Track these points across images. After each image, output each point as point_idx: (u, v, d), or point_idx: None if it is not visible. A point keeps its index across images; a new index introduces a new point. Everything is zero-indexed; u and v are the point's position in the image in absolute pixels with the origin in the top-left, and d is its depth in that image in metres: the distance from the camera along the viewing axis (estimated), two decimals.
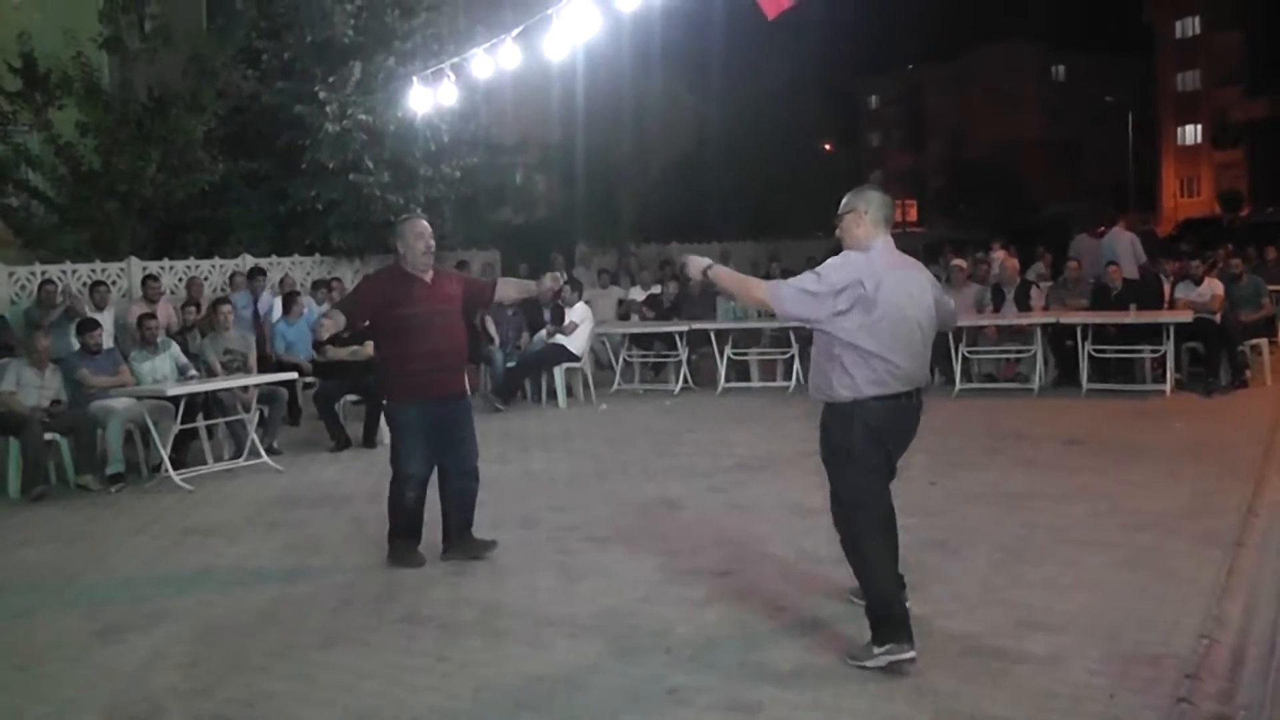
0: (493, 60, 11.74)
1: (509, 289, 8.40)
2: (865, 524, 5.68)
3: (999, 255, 17.89)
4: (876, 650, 5.46)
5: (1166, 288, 14.96)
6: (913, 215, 79.62)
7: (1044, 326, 14.34)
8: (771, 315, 15.93)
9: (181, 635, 6.43)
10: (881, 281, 5.50)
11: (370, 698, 5.36)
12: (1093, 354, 13.96)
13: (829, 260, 5.70)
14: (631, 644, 5.91)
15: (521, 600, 6.77)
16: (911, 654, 5.40)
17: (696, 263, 6.04)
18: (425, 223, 7.59)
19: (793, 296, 5.60)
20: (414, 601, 6.83)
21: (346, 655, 5.95)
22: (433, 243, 7.53)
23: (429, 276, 7.52)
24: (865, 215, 5.70)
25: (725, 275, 5.93)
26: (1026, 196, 54.31)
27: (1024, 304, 15.05)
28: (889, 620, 5.48)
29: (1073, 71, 77.54)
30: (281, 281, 17.13)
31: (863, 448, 5.61)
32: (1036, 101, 76.96)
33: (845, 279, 5.51)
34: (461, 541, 7.67)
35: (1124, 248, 17.19)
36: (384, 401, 7.83)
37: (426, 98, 13.69)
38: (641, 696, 5.21)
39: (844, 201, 5.81)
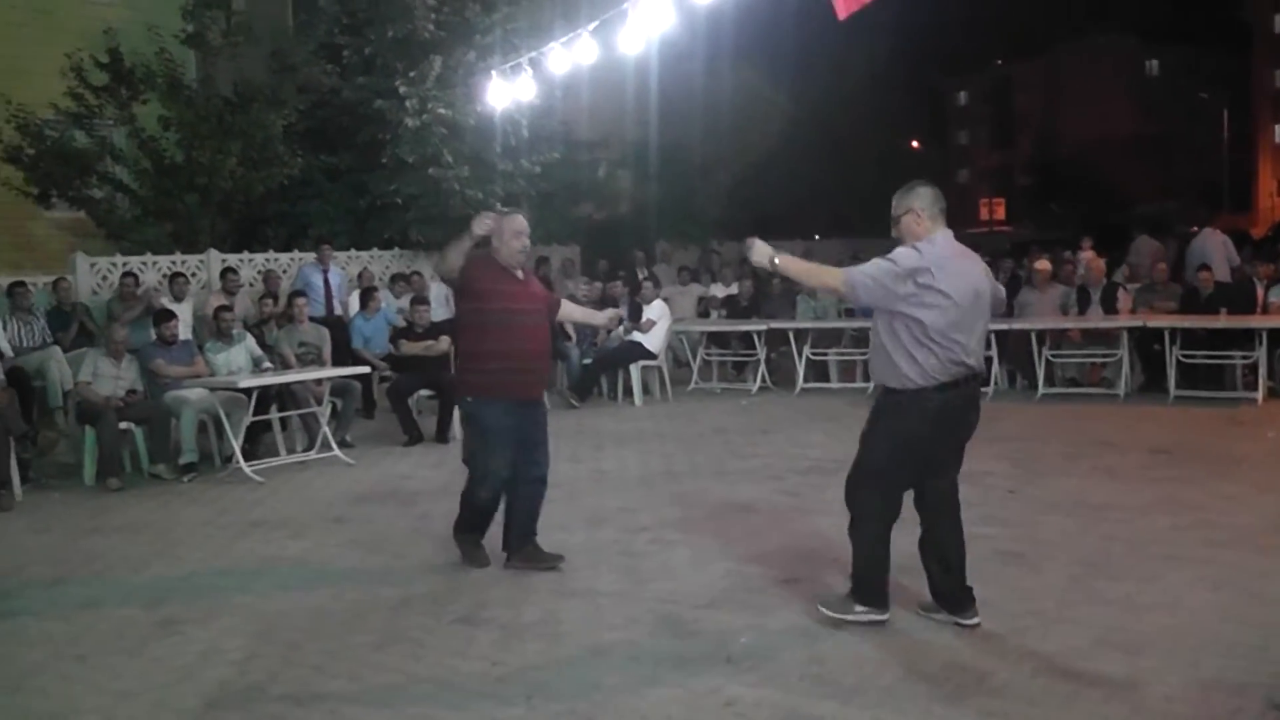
0: (570, 55, 11.63)
1: (573, 311, 8.36)
2: (875, 501, 5.93)
3: (1086, 255, 17.51)
4: (857, 608, 5.93)
5: (1260, 291, 14.50)
6: (1000, 214, 78.71)
7: (1130, 330, 13.99)
8: (851, 314, 15.91)
9: (239, 629, 6.37)
10: (947, 269, 5.69)
11: (421, 702, 5.25)
12: (1181, 359, 13.58)
13: (898, 249, 5.78)
14: (692, 652, 5.75)
15: (583, 603, 6.64)
16: (886, 617, 5.94)
17: (762, 249, 6.01)
18: (523, 219, 7.37)
19: (867, 283, 5.72)
20: (474, 602, 6.72)
21: (401, 656, 5.85)
22: (528, 241, 7.37)
23: (520, 274, 7.37)
24: (923, 213, 5.85)
25: (793, 263, 6.04)
26: (1117, 195, 53.37)
27: (1110, 306, 14.69)
28: (873, 584, 5.94)
29: (1166, 67, 76.05)
30: (360, 275, 17.16)
31: (910, 436, 5.82)
32: (1128, 98, 75.56)
33: (916, 263, 5.66)
34: (524, 549, 7.43)
35: (1215, 249, 16.74)
36: (466, 399, 7.38)
37: (505, 92, 13.62)
38: (698, 708, 5.05)
39: (895, 203, 5.96)
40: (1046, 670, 5.35)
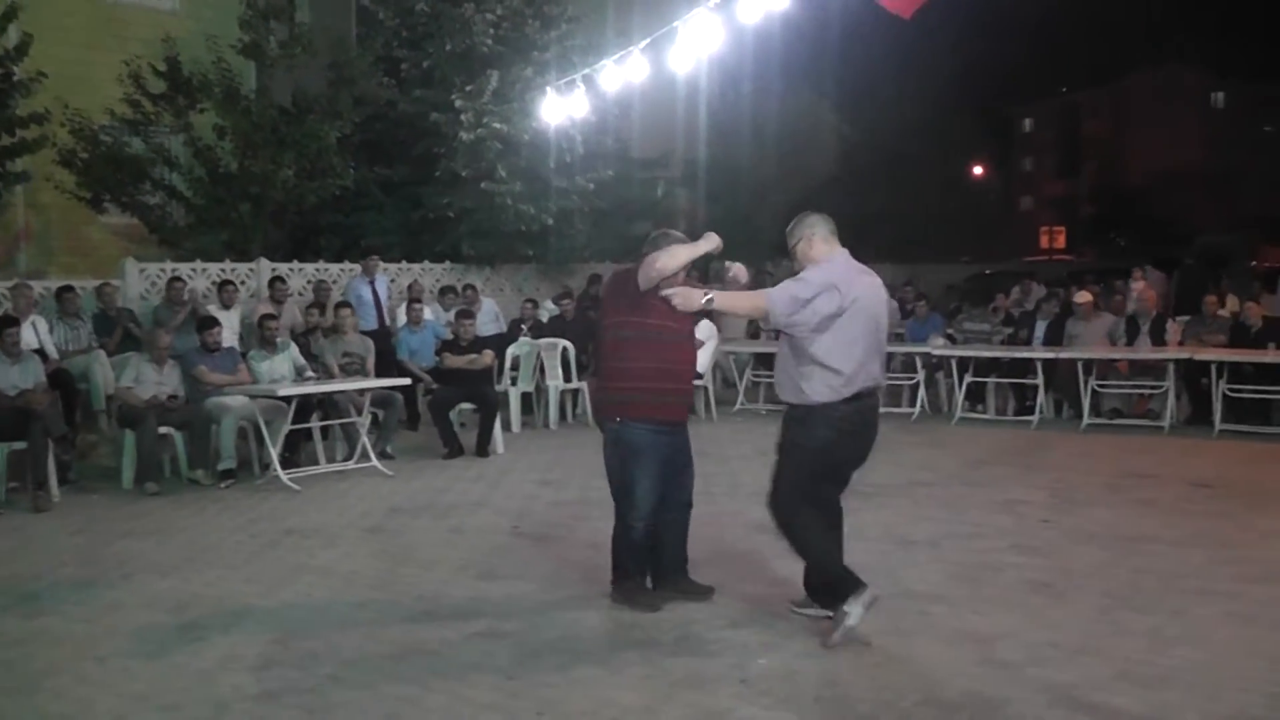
0: (622, 72, 11.61)
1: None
2: (800, 509, 6.20)
3: (1138, 286, 17.31)
4: (845, 609, 5.93)
5: None
6: (1061, 242, 78.05)
7: (1177, 362, 13.79)
8: (900, 338, 15.83)
9: (259, 637, 6.36)
10: (853, 284, 6.06)
11: (433, 713, 5.22)
12: (1228, 393, 13.37)
13: (806, 269, 6.15)
14: (709, 672, 5.68)
15: (604, 621, 6.60)
16: (872, 591, 5.98)
17: (689, 296, 6.28)
18: (682, 235, 6.90)
19: (784, 300, 6.03)
20: (496, 616, 6.68)
21: (417, 669, 5.82)
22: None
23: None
24: (815, 237, 6.22)
25: (725, 300, 6.34)
26: (1180, 227, 52.82)
27: (1159, 338, 14.49)
28: (843, 580, 6.03)
29: (1234, 99, 75.03)
30: (410, 287, 17.20)
31: (819, 446, 6.14)
32: (1195, 129, 74.74)
33: (824, 281, 6.01)
34: (675, 579, 7.11)
35: None
36: (615, 420, 6.83)
37: (560, 108, 13.63)
38: None
39: (789, 233, 6.34)
40: (1063, 701, 5.24)
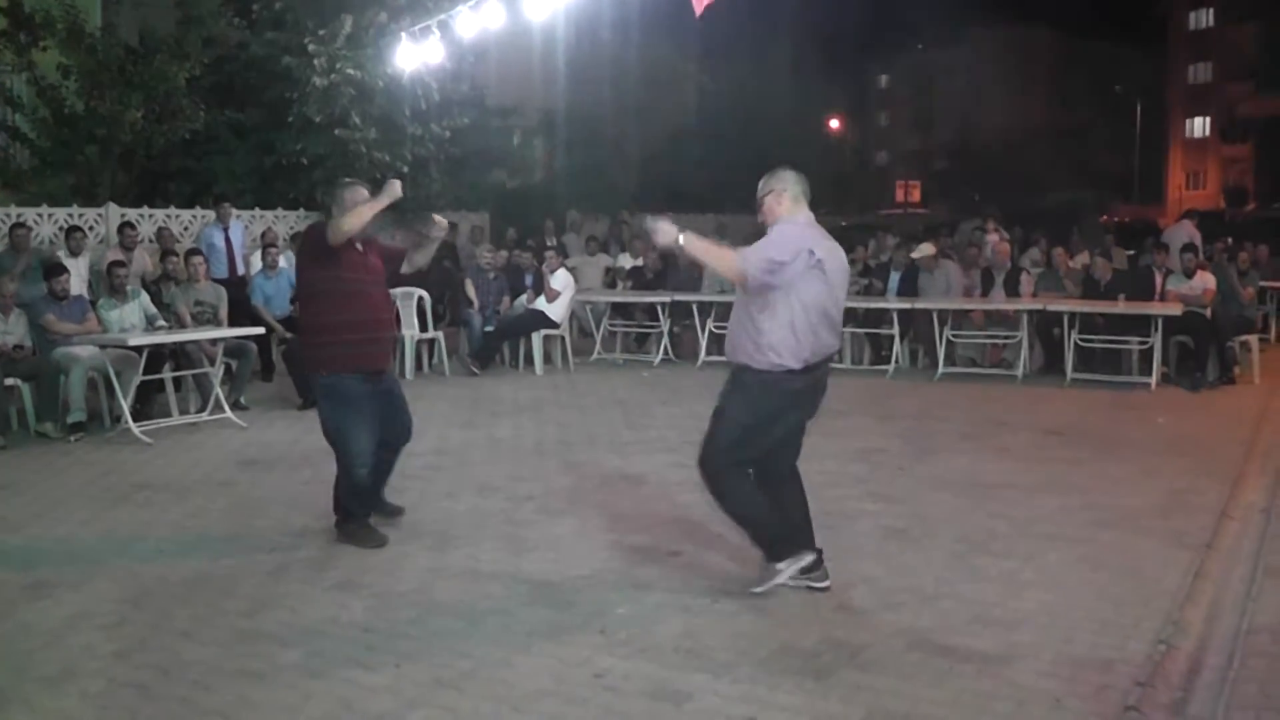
0: (478, 19, 11.48)
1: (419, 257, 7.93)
2: (734, 470, 6.04)
3: (992, 239, 17.65)
4: (778, 566, 5.93)
5: (1158, 280, 14.66)
6: (916, 196, 79.48)
7: (1031, 313, 14.12)
8: None
9: (110, 595, 6.23)
10: (820, 247, 5.84)
11: (288, 669, 5.15)
12: (1079, 343, 13.73)
13: (772, 234, 5.90)
14: (567, 623, 5.70)
15: (462, 572, 6.57)
16: (814, 554, 6.03)
17: (667, 230, 5.94)
18: (366, 190, 7.18)
19: (760, 262, 5.75)
20: (351, 569, 6.63)
21: (272, 623, 5.74)
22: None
23: (360, 246, 7.18)
24: (785, 194, 6.00)
25: (699, 246, 5.98)
26: (1031, 183, 53.97)
27: (1013, 289, 14.81)
28: (778, 538, 5.98)
29: (1083, 59, 76.82)
30: (264, 235, 16.86)
31: (768, 413, 5.93)
32: (1045, 88, 76.49)
33: (799, 244, 5.79)
34: (375, 504, 7.51)
35: (1180, 241, 16.81)
36: (319, 375, 7.15)
37: (414, 54, 13.44)
38: (567, 679, 4.99)
39: (761, 184, 6.16)
40: (921, 645, 5.36)
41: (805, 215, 6.00)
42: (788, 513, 6.09)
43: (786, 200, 5.98)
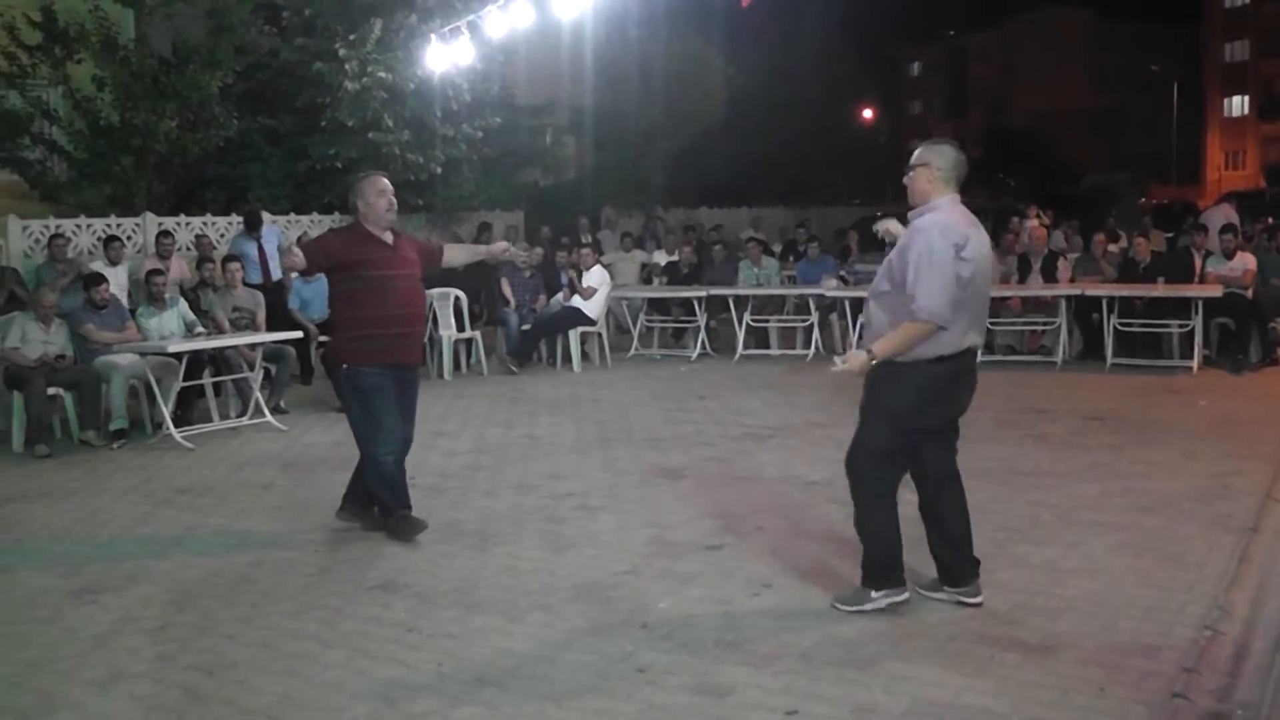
0: (507, 19, 11.51)
1: (458, 254, 8.23)
2: (879, 478, 5.69)
3: (1031, 224, 17.55)
4: (874, 594, 5.65)
5: (1197, 261, 14.54)
6: None
7: (1069, 299, 14.03)
8: (793, 280, 15.98)
9: (155, 598, 6.29)
10: (970, 240, 5.43)
11: (331, 669, 5.18)
12: (1118, 328, 13.63)
13: (932, 225, 5.43)
14: (608, 619, 5.71)
15: (503, 570, 6.59)
16: (907, 595, 5.68)
17: (856, 360, 5.51)
18: (386, 180, 7.25)
19: (945, 297, 5.32)
20: (393, 569, 6.66)
21: (315, 624, 5.78)
22: (394, 200, 7.23)
23: (389, 238, 7.21)
24: (939, 173, 5.56)
25: (888, 347, 5.47)
26: (1067, 166, 53.62)
27: (1050, 275, 14.72)
28: (889, 566, 5.66)
29: (1118, 40, 76.28)
30: (300, 239, 16.93)
31: (907, 409, 5.56)
32: (1080, 70, 75.91)
33: (957, 238, 5.38)
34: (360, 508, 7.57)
35: (1219, 223, 16.70)
36: (343, 367, 7.18)
37: (444, 56, 13.49)
38: (609, 674, 5.01)
39: (916, 153, 5.67)
40: (963, 635, 5.34)
41: (949, 199, 5.54)
42: (945, 527, 5.80)
43: (937, 180, 5.55)
